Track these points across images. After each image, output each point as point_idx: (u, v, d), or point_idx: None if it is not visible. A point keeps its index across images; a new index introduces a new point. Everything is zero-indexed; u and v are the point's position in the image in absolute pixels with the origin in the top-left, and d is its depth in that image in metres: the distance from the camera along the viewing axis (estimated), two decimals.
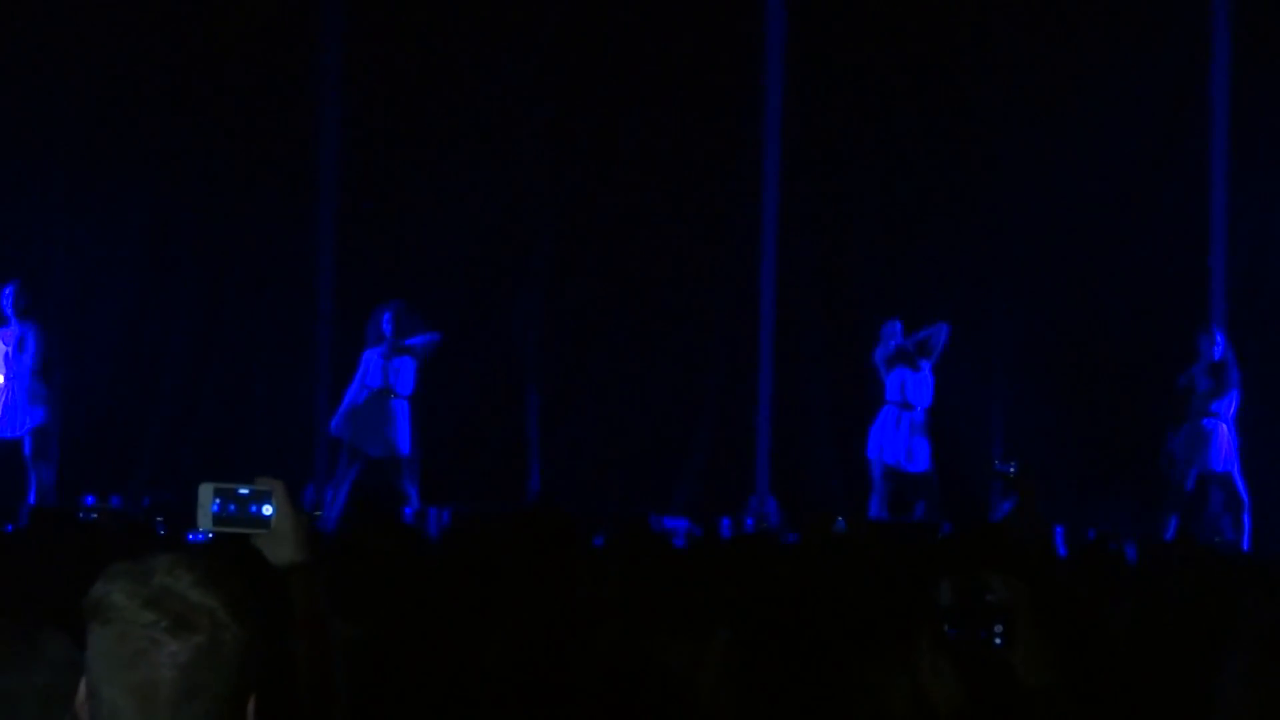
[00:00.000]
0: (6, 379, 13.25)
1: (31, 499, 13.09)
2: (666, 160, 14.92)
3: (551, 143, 15.03)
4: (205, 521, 3.08)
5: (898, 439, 13.57)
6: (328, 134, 15.11)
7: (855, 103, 14.72)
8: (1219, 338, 13.15)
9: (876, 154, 14.73)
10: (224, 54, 14.72)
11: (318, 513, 12.37)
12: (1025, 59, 14.38)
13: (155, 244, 14.96)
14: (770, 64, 14.82)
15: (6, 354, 13.28)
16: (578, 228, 15.04)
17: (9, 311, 13.23)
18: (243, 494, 3.09)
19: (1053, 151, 14.31)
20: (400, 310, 13.53)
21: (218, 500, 3.09)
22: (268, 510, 3.09)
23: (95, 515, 6.15)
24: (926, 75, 14.58)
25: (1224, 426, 13.04)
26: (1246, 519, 12.99)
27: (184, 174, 14.85)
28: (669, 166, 14.91)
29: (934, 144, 14.64)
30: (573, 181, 15.06)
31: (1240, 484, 13.02)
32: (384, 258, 14.92)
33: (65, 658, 3.05)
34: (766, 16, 14.85)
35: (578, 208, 15.05)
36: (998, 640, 3.21)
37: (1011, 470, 6.75)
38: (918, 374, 13.65)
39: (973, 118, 14.60)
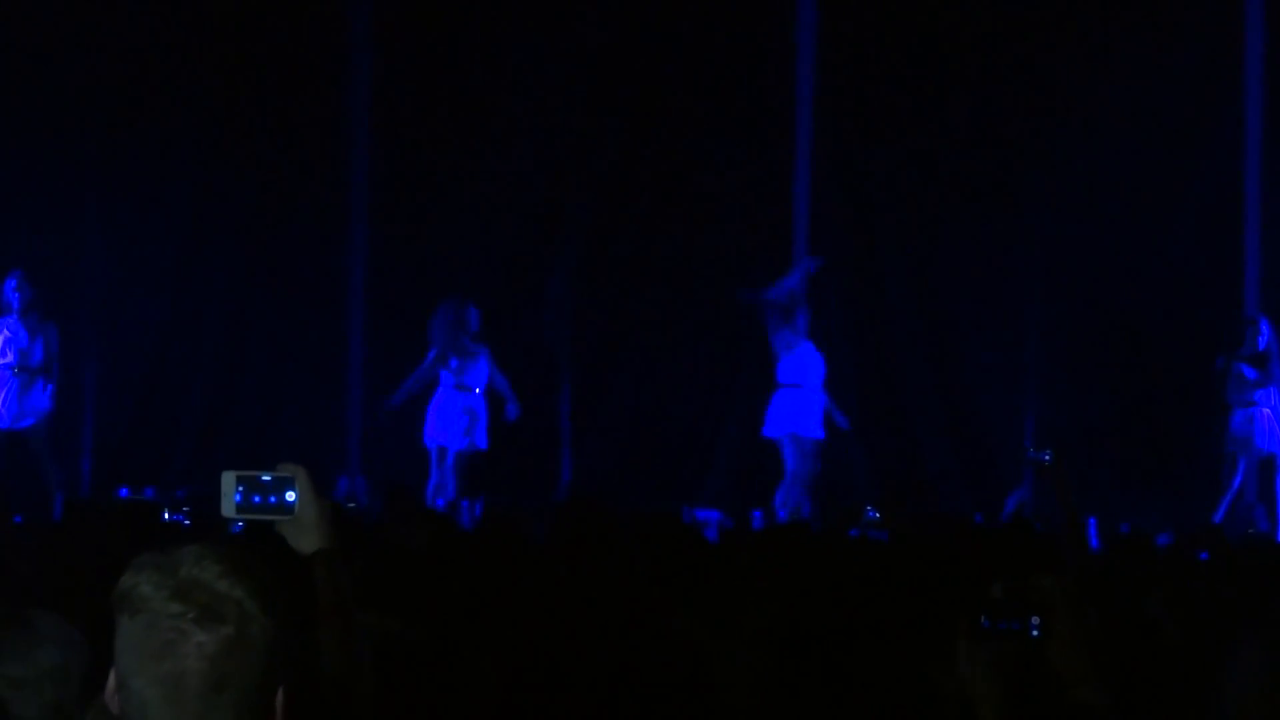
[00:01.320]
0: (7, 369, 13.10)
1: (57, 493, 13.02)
2: (697, 153, 14.90)
3: (582, 136, 15.02)
4: (229, 509, 3.09)
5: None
6: (359, 127, 15.15)
7: (887, 95, 14.67)
8: (1264, 326, 13.07)
9: (908, 146, 14.67)
10: (256, 53, 14.74)
11: (351, 503, 12.39)
12: (1056, 47, 14.31)
13: (191, 237, 15.00)
14: (801, 61, 14.79)
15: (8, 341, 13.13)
16: (609, 221, 15.03)
17: (15, 304, 13.05)
18: (265, 481, 3.10)
19: (1084, 139, 14.24)
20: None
21: (240, 488, 3.10)
22: (290, 497, 3.10)
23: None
24: (957, 66, 14.52)
25: (1267, 412, 12.99)
26: None
27: (218, 166, 14.88)
28: (699, 159, 14.89)
29: (965, 132, 14.58)
30: (603, 174, 15.05)
31: None
32: (415, 253, 14.94)
33: (65, 636, 3.06)
34: (799, 11, 14.82)
35: (608, 201, 15.04)
36: (1034, 632, 3.20)
37: (1046, 458, 6.69)
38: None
39: (1004, 105, 14.54)
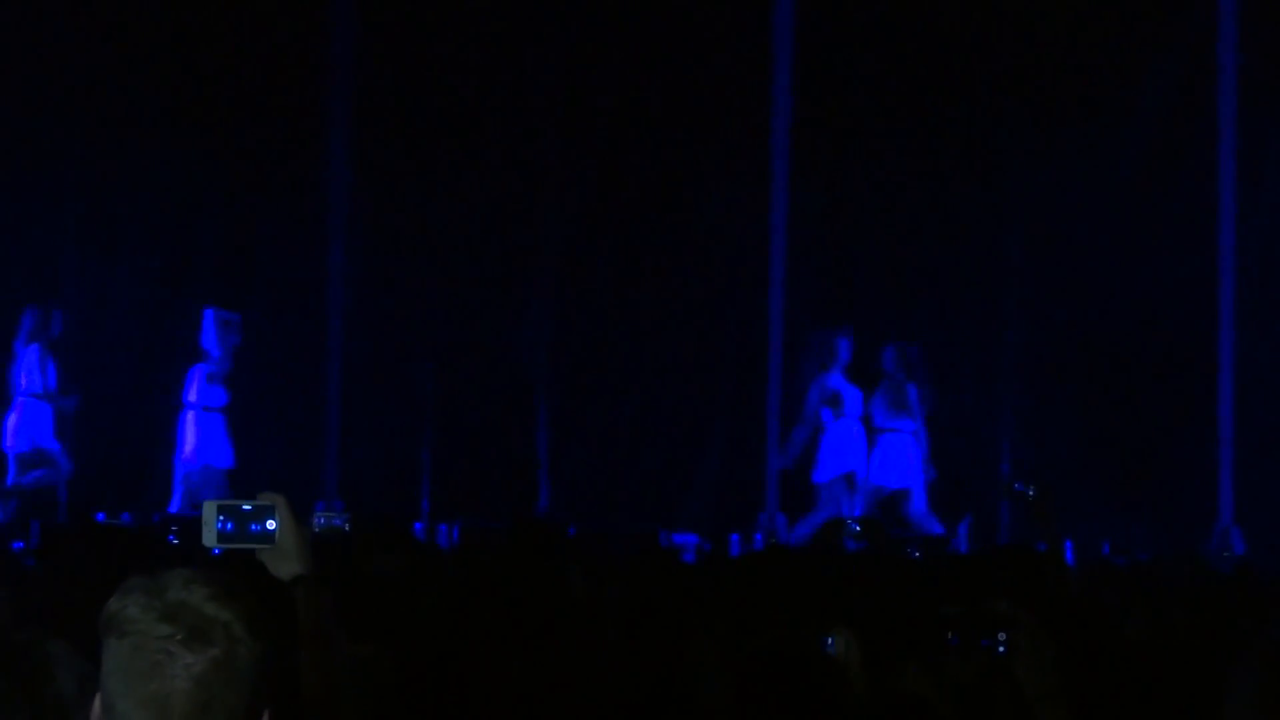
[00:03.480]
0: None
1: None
2: (674, 175, 14.92)
3: (559, 157, 15.03)
4: (210, 538, 3.12)
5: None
6: (337, 146, 15.14)
7: (862, 111, 14.70)
8: None
9: (884, 163, 14.71)
10: (235, 61, 14.73)
11: (327, 528, 12.35)
12: (1031, 63, 14.36)
13: (168, 261, 14.98)
14: (778, 76, 14.81)
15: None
16: (586, 243, 15.04)
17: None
18: (246, 510, 3.13)
19: (1059, 158, 14.29)
20: None
21: (221, 517, 3.13)
22: (271, 525, 3.13)
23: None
24: (933, 82, 14.56)
25: None
26: None
27: (199, 186, 14.85)
28: (676, 181, 14.91)
29: (940, 152, 14.62)
30: (580, 197, 15.06)
31: None
32: (393, 276, 14.94)
33: (78, 665, 3.08)
34: (775, 23, 14.83)
35: (585, 223, 15.05)
36: (1000, 649, 3.23)
37: (1030, 492, 6.72)
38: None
39: (979, 124, 14.59)
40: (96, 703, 2.29)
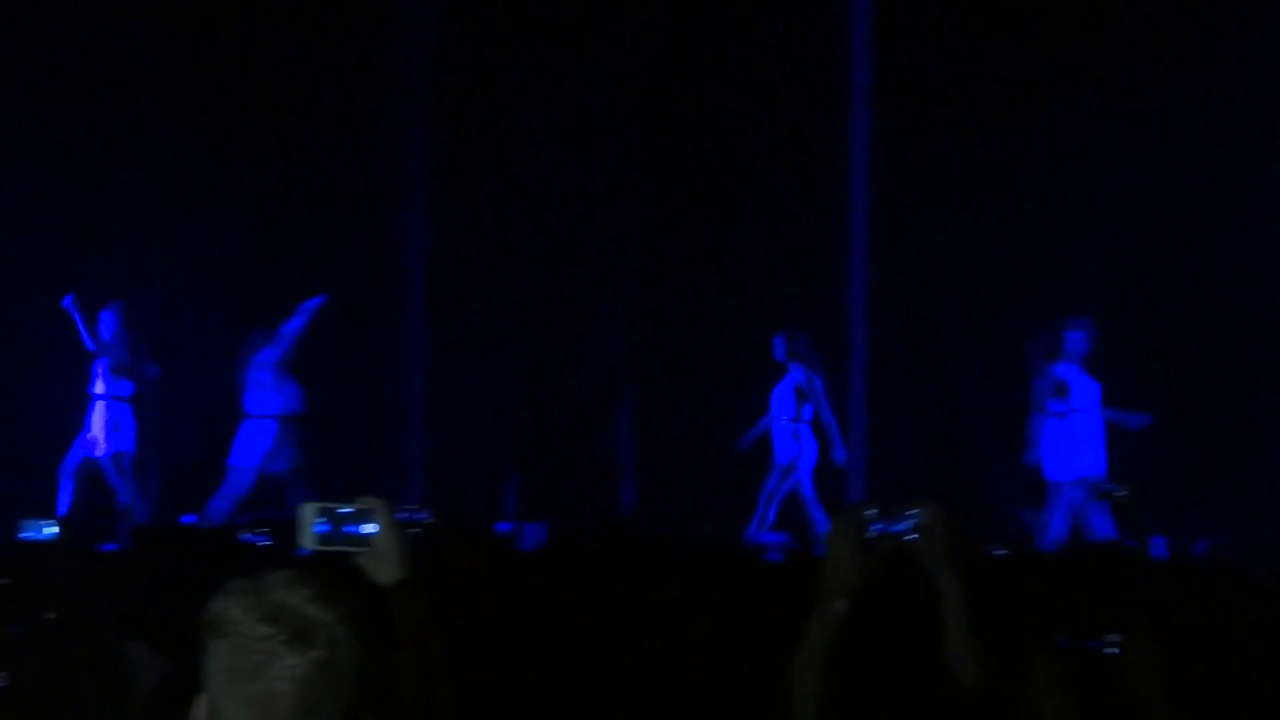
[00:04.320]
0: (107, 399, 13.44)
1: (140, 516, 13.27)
2: (754, 172, 14.89)
3: (640, 155, 15.04)
4: (307, 540, 3.11)
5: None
6: (415, 140, 15.19)
7: (942, 106, 14.64)
8: None
9: (966, 158, 14.63)
10: (313, 62, 14.82)
11: (414, 529, 12.40)
12: (1110, 56, 14.24)
13: (253, 260, 15.09)
14: (856, 72, 14.75)
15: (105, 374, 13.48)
16: (668, 243, 15.03)
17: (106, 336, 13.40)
18: (344, 513, 3.12)
19: (1139, 152, 14.17)
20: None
21: (319, 520, 3.11)
22: (369, 528, 3.11)
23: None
24: (1012, 77, 14.47)
25: None
26: None
27: (279, 190, 14.97)
28: (757, 179, 14.89)
29: (1021, 146, 14.53)
30: (661, 196, 15.06)
31: None
32: (473, 278, 14.98)
33: (156, 665, 3.08)
34: (852, 18, 14.77)
35: (668, 224, 15.05)
36: (1111, 651, 3.19)
37: (1122, 493, 6.66)
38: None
39: (1057, 119, 14.48)
40: (203, 701, 2.30)
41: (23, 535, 5.30)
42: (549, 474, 14.33)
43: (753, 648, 4.61)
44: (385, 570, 3.12)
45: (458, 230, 15.06)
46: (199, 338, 14.86)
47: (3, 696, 2.70)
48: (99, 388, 13.51)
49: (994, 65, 14.45)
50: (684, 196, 15.05)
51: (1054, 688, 3.20)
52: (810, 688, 3.41)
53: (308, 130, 14.89)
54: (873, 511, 3.55)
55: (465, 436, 14.61)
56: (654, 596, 5.55)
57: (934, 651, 3.48)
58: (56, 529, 5.35)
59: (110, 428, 13.49)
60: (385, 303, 15.17)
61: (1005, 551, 8.54)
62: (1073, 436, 12.93)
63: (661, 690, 4.72)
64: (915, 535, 3.54)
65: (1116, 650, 3.19)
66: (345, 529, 3.11)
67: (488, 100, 15.08)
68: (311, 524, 3.12)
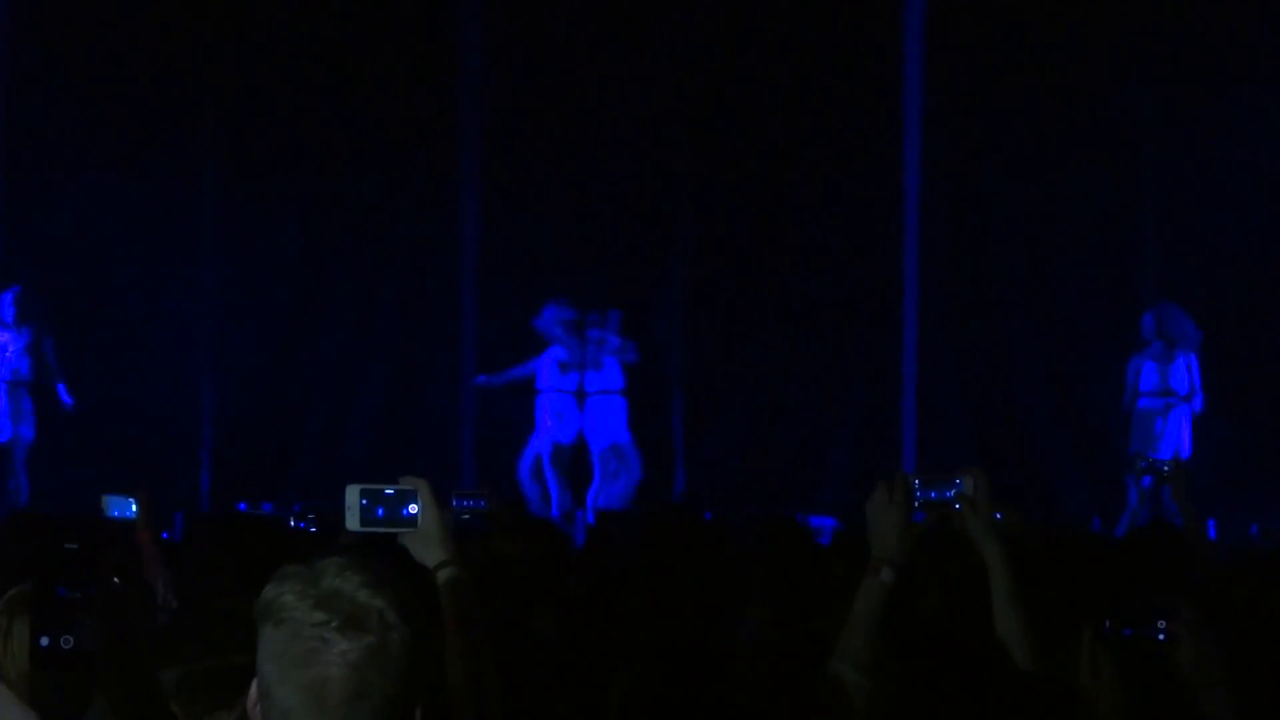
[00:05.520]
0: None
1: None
2: (807, 156, 14.86)
3: (691, 146, 15.03)
4: (353, 522, 3.13)
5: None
6: (470, 139, 15.22)
7: (997, 97, 14.57)
8: None
9: (1018, 151, 14.56)
10: (368, 60, 14.88)
11: (465, 515, 12.44)
12: (1175, 49, 14.14)
13: (307, 250, 15.16)
14: (909, 63, 14.69)
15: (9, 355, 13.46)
16: (720, 229, 15.02)
17: (8, 318, 13.39)
18: (388, 494, 3.14)
19: (1194, 138, 14.07)
20: None
21: (364, 501, 3.14)
22: (413, 509, 3.13)
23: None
24: (1070, 68, 14.38)
25: None
26: None
27: (334, 179, 15.02)
28: (810, 163, 14.86)
29: (1080, 137, 14.45)
30: (712, 185, 15.05)
31: None
32: (528, 265, 15.00)
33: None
34: (906, 17, 14.72)
35: (719, 208, 15.03)
36: (1160, 636, 3.17)
37: (1166, 468, 6.63)
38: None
39: (1113, 106, 14.39)
40: (253, 687, 2.31)
41: (111, 513, 5.36)
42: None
43: (801, 626, 4.61)
44: (429, 552, 3.13)
45: (510, 229, 15.08)
46: (258, 332, 14.93)
47: (69, 658, 2.74)
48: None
49: (1048, 48, 14.36)
50: (738, 187, 15.03)
51: (1102, 672, 3.18)
52: (859, 657, 3.42)
53: (362, 128, 14.96)
54: (918, 480, 3.57)
55: (516, 424, 14.63)
56: (706, 579, 5.56)
57: (982, 623, 3.48)
58: (134, 506, 5.41)
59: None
60: (438, 299, 15.21)
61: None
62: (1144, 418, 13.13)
63: (711, 675, 4.72)
64: (959, 505, 3.54)
65: (1164, 637, 3.18)
66: (389, 510, 3.13)
67: (541, 93, 15.09)
68: (356, 506, 3.14)
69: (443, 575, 3.12)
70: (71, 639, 2.81)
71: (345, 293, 15.19)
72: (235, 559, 4.76)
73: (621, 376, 14.11)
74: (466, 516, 6.19)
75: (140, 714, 2.99)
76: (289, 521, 6.58)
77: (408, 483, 3.17)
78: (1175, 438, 13.27)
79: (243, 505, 13.42)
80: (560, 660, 4.53)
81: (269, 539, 5.29)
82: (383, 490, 3.14)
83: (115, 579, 3.08)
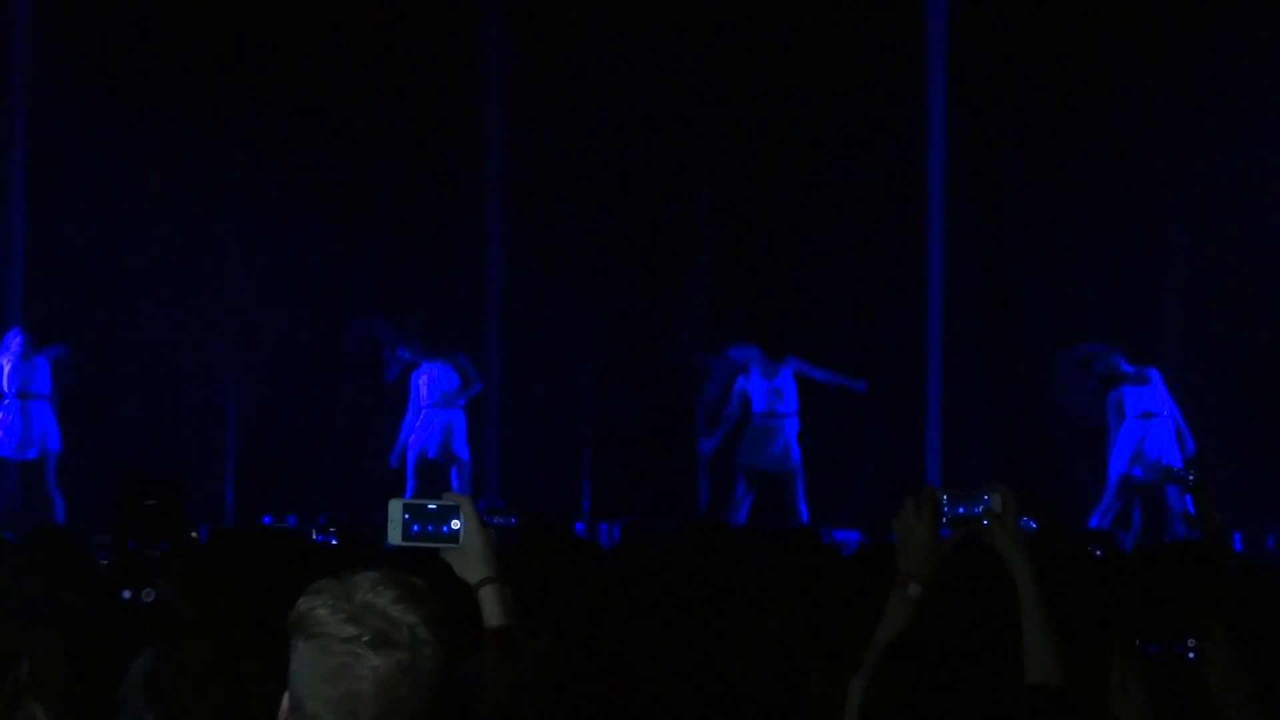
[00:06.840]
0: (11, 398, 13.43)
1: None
2: (830, 173, 14.84)
3: (714, 158, 15.03)
4: (395, 536, 3.14)
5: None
6: (493, 141, 15.23)
7: (1020, 104, 14.54)
8: None
9: (1041, 164, 14.52)
10: (391, 68, 14.90)
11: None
12: (1196, 52, 14.09)
13: (329, 266, 15.19)
14: (932, 69, 14.66)
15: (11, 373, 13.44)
16: (742, 244, 15.01)
17: (16, 350, 13.39)
18: (431, 509, 3.16)
19: (1218, 139, 14.02)
20: None
21: (407, 515, 3.15)
22: (455, 525, 3.14)
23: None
24: (1090, 82, 14.34)
25: None
26: None
27: (355, 196, 15.06)
28: (833, 180, 14.84)
29: (1099, 149, 14.41)
30: (736, 198, 15.04)
31: None
32: (550, 279, 15.01)
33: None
34: (928, 23, 14.68)
35: (742, 225, 15.03)
36: (1190, 655, 3.16)
37: (1191, 477, 6.61)
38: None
39: (1137, 117, 14.34)
40: (285, 700, 2.32)
41: None
42: (625, 475, 14.33)
43: (827, 637, 4.61)
44: (471, 568, 3.14)
45: (534, 236, 15.09)
46: (285, 346, 14.95)
47: (152, 609, 2.76)
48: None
49: (1073, 58, 14.33)
50: (761, 200, 15.01)
51: (1132, 689, 3.17)
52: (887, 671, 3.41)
53: (386, 142, 15.00)
54: (946, 495, 3.56)
55: (541, 437, 14.63)
56: (732, 591, 5.55)
57: (1011, 639, 3.48)
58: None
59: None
60: (463, 307, 15.21)
61: (1100, 552, 8.46)
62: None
63: (740, 684, 4.72)
64: (986, 521, 3.54)
65: (1194, 655, 3.16)
66: (431, 526, 3.14)
67: (564, 101, 15.10)
68: (399, 520, 3.15)
69: (485, 592, 3.13)
70: (154, 592, 2.85)
71: (367, 308, 15.21)
72: (257, 572, 4.76)
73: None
74: (503, 532, 6.22)
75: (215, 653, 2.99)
76: (311, 534, 6.58)
77: (450, 499, 3.18)
78: (1161, 449, 13.21)
79: (267, 519, 13.44)
80: (589, 671, 4.53)
81: (290, 552, 5.29)
82: (425, 505, 3.15)
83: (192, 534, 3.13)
